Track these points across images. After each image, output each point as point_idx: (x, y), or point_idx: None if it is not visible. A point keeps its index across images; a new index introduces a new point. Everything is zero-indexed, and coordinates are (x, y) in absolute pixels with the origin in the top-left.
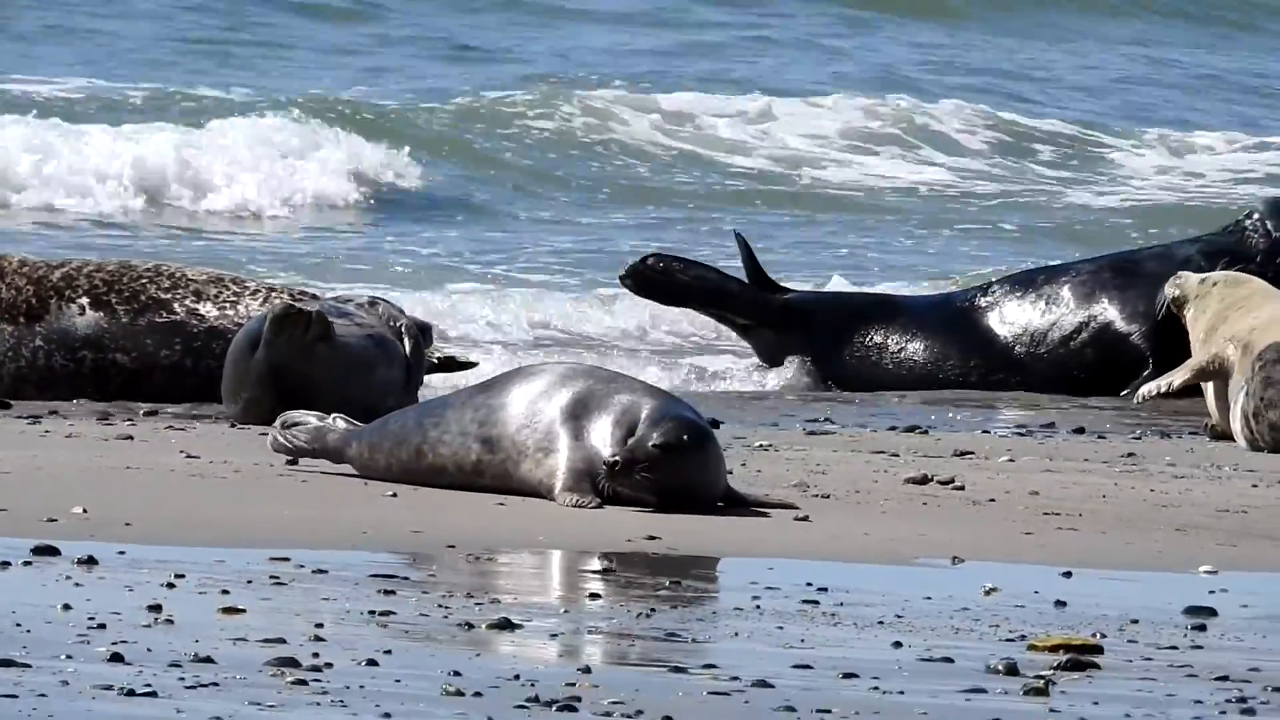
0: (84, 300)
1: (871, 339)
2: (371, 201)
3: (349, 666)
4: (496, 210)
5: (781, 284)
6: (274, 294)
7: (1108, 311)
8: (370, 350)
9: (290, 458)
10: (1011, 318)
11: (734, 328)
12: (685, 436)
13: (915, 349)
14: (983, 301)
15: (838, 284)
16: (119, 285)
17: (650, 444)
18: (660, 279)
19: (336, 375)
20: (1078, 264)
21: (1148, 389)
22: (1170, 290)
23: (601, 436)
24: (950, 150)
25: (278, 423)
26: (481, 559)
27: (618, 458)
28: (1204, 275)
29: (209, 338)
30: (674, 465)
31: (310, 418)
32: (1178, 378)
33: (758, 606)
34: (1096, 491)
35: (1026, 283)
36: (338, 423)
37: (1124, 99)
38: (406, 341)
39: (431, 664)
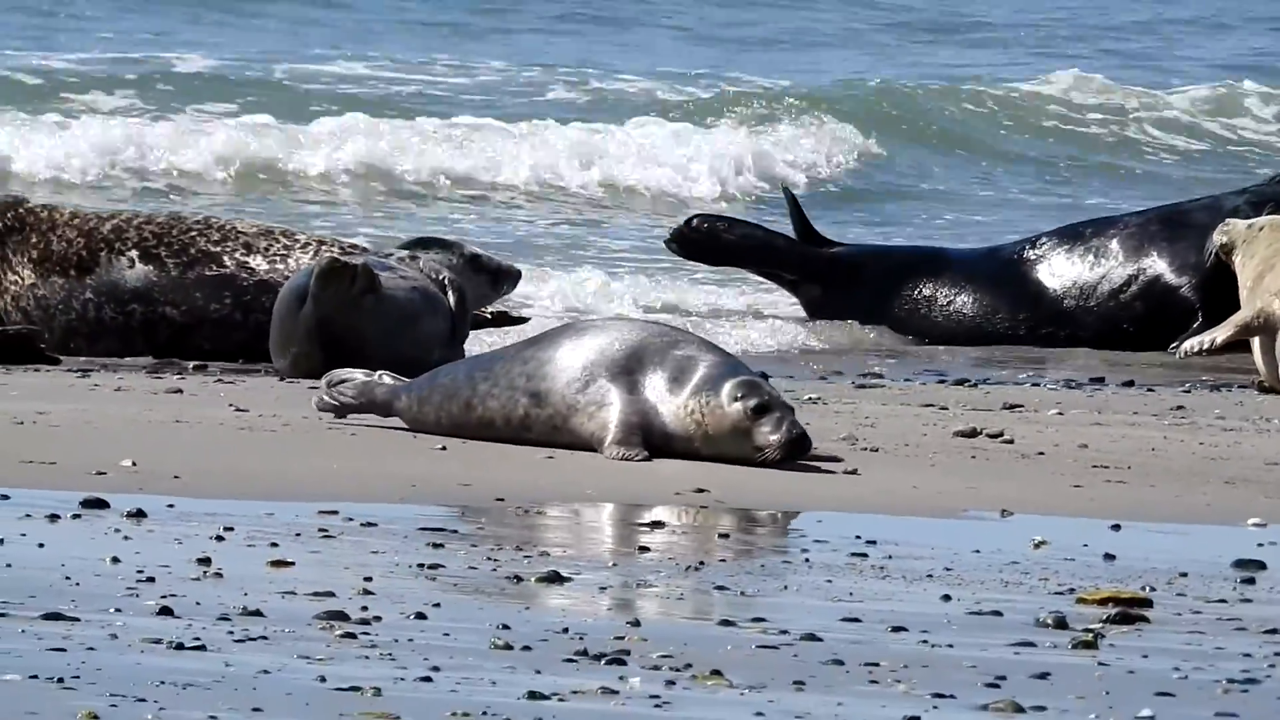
0: (133, 253)
1: (920, 292)
2: None
3: (397, 620)
4: None
5: (829, 239)
6: (323, 247)
7: (1156, 264)
8: (416, 302)
9: (337, 415)
10: (1060, 271)
11: (782, 283)
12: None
13: (964, 302)
14: (1031, 254)
15: None
16: (168, 238)
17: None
18: (705, 240)
19: (384, 328)
20: (1126, 216)
21: (1189, 345)
22: (1218, 238)
23: (656, 390)
24: None
25: (323, 381)
26: (530, 512)
27: (780, 438)
28: (1251, 220)
29: (259, 291)
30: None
31: (356, 374)
32: (1220, 334)
33: (806, 559)
34: (1145, 445)
35: (1075, 236)
36: (384, 378)
37: None
38: (450, 294)
39: (480, 617)
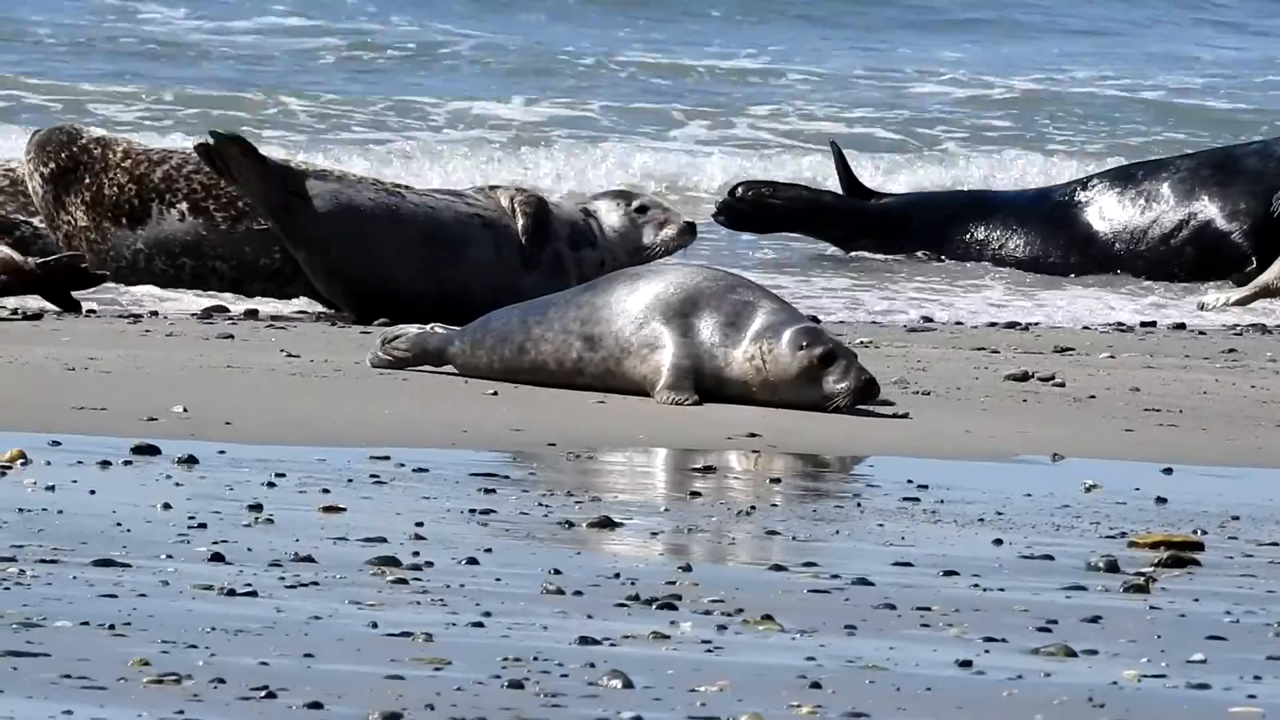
0: (183, 205)
1: (971, 236)
2: None
3: (449, 565)
4: None
5: (874, 190)
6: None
7: (1208, 209)
8: (391, 212)
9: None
10: (1111, 214)
11: (833, 241)
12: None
13: (1015, 245)
14: (1082, 196)
15: None
16: (216, 190)
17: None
18: (751, 209)
19: (341, 235)
20: (1177, 159)
21: (1211, 300)
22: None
23: (712, 335)
24: None
25: (377, 341)
26: (582, 457)
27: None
28: None
29: None
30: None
31: (409, 329)
32: (1239, 294)
33: (858, 504)
34: (1197, 388)
35: (1126, 178)
36: (435, 329)
37: None
38: (520, 218)
39: (531, 562)
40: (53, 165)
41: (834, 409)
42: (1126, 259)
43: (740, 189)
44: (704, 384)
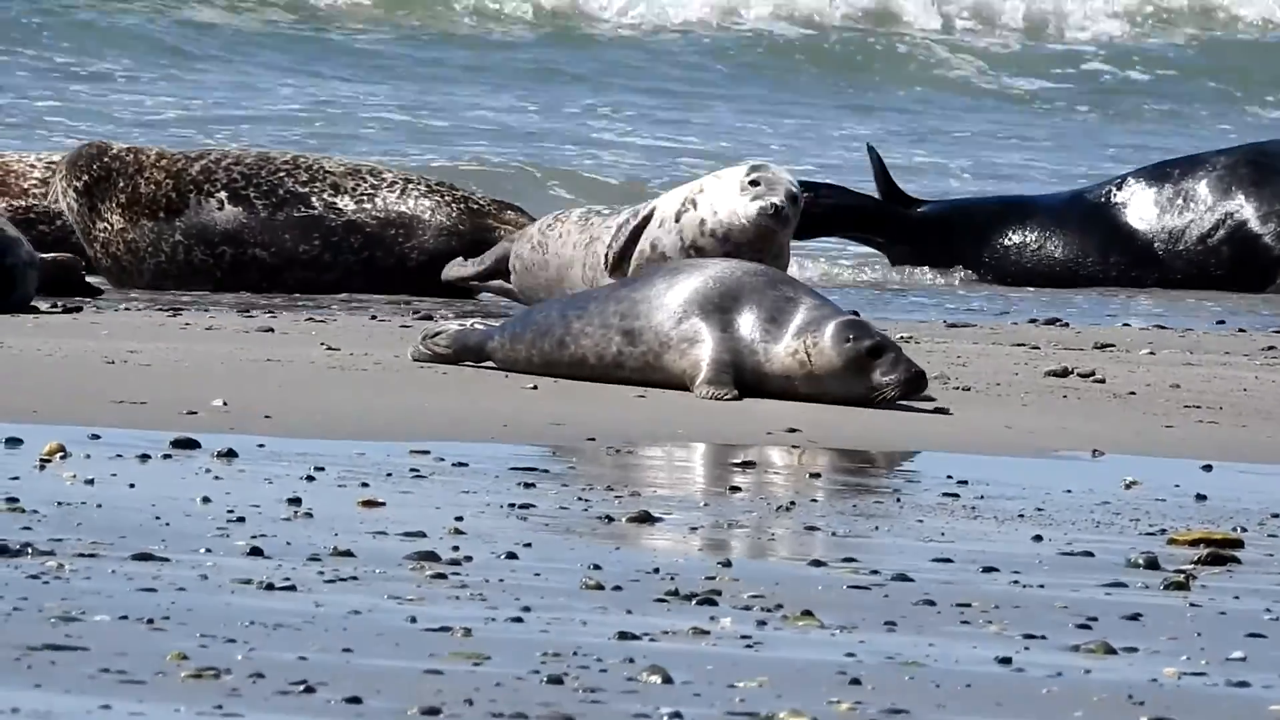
0: (222, 194)
1: (1010, 240)
2: None
3: (488, 560)
4: None
5: (913, 196)
6: (409, 184)
7: (1244, 209)
8: None
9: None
10: (1148, 213)
11: (873, 245)
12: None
13: (1054, 247)
14: (1119, 197)
15: None
16: (257, 179)
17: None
18: None
19: None
20: (1214, 156)
21: None
22: None
23: (753, 329)
24: None
25: (418, 335)
26: (621, 451)
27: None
28: None
29: (346, 232)
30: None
31: (450, 324)
32: None
33: (898, 499)
34: (1237, 385)
35: (1162, 176)
36: (475, 325)
37: None
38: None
39: (571, 557)
40: (85, 178)
41: (881, 401)
42: (1165, 258)
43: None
44: (744, 379)
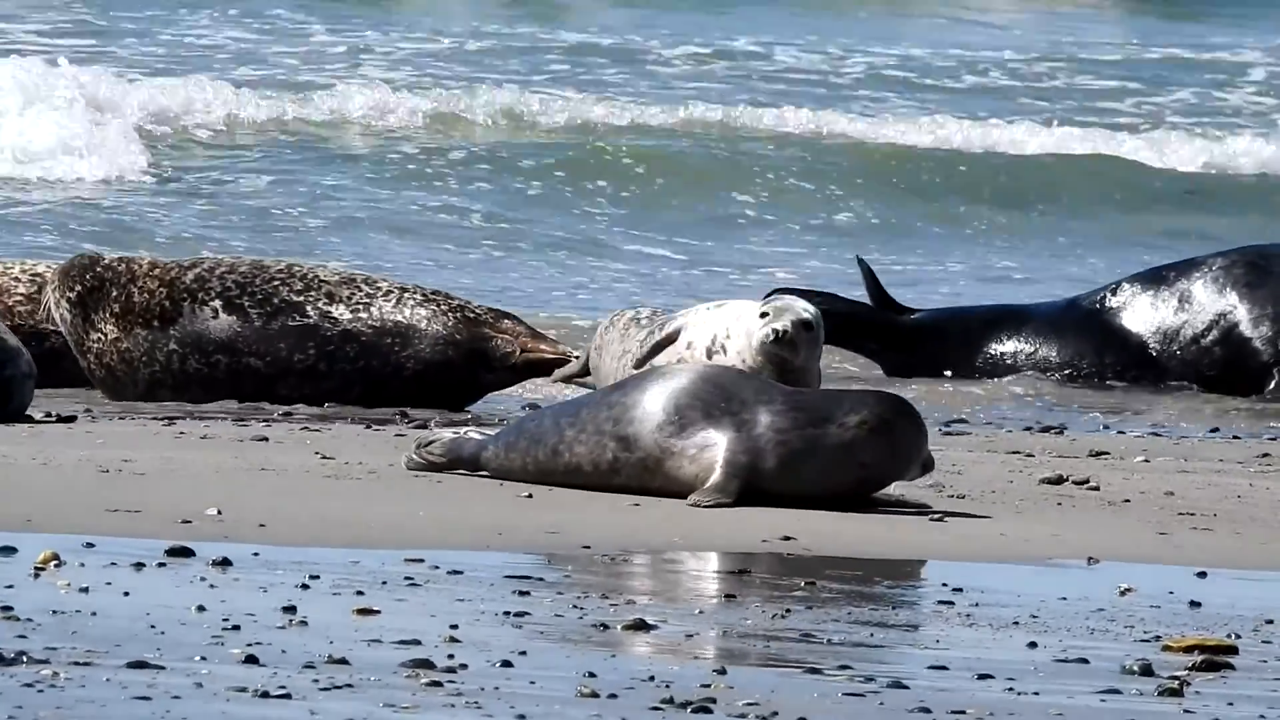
0: (217, 303)
1: (1004, 348)
2: None
3: (484, 668)
4: None
5: (904, 305)
6: (404, 294)
7: (1236, 311)
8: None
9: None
10: (1144, 316)
11: (862, 352)
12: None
13: (1049, 353)
14: (1113, 301)
15: None
16: (251, 288)
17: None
18: None
19: None
20: (1211, 258)
21: None
22: None
23: (766, 423)
24: None
25: (412, 444)
26: (617, 560)
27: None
28: None
29: (342, 341)
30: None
31: (444, 433)
32: None
33: (893, 607)
34: (1231, 492)
35: (1158, 280)
36: (470, 434)
37: None
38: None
39: (566, 665)
40: (79, 288)
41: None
42: (1161, 360)
43: (775, 295)
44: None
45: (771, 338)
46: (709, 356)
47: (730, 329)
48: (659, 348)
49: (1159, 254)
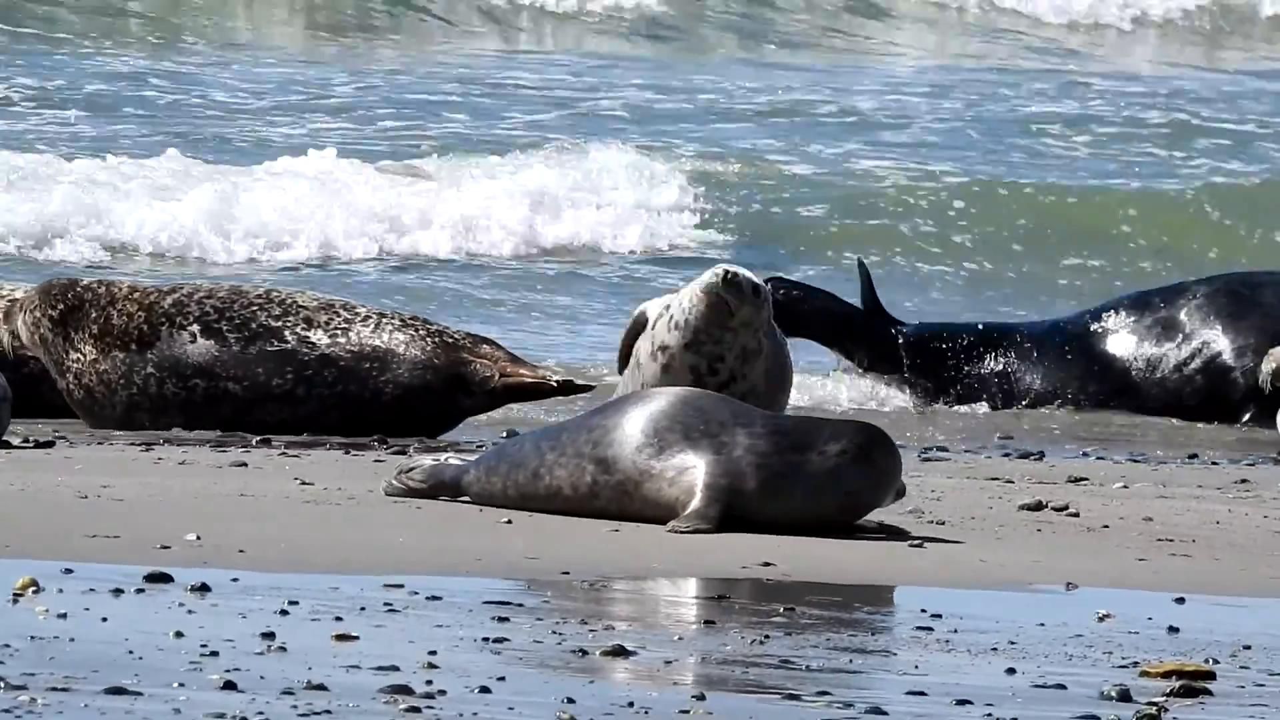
0: (195, 328)
1: (990, 366)
2: None
3: (462, 693)
4: None
5: (893, 316)
6: (383, 319)
7: (1218, 340)
8: None
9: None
10: (1128, 342)
11: (849, 359)
12: (874, 441)
13: (1034, 375)
14: (1098, 326)
15: None
16: (230, 313)
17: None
18: (781, 310)
19: None
20: (1196, 284)
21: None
22: (1268, 365)
23: (746, 445)
24: None
25: (393, 470)
26: (596, 585)
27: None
28: None
29: (320, 365)
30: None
31: (424, 459)
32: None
33: (871, 633)
34: (1210, 518)
35: (1143, 305)
36: (450, 459)
37: None
38: None
39: (545, 690)
40: (61, 306)
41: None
42: (1143, 386)
43: (771, 284)
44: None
45: (719, 276)
46: (669, 330)
47: (681, 294)
48: (630, 336)
49: None
